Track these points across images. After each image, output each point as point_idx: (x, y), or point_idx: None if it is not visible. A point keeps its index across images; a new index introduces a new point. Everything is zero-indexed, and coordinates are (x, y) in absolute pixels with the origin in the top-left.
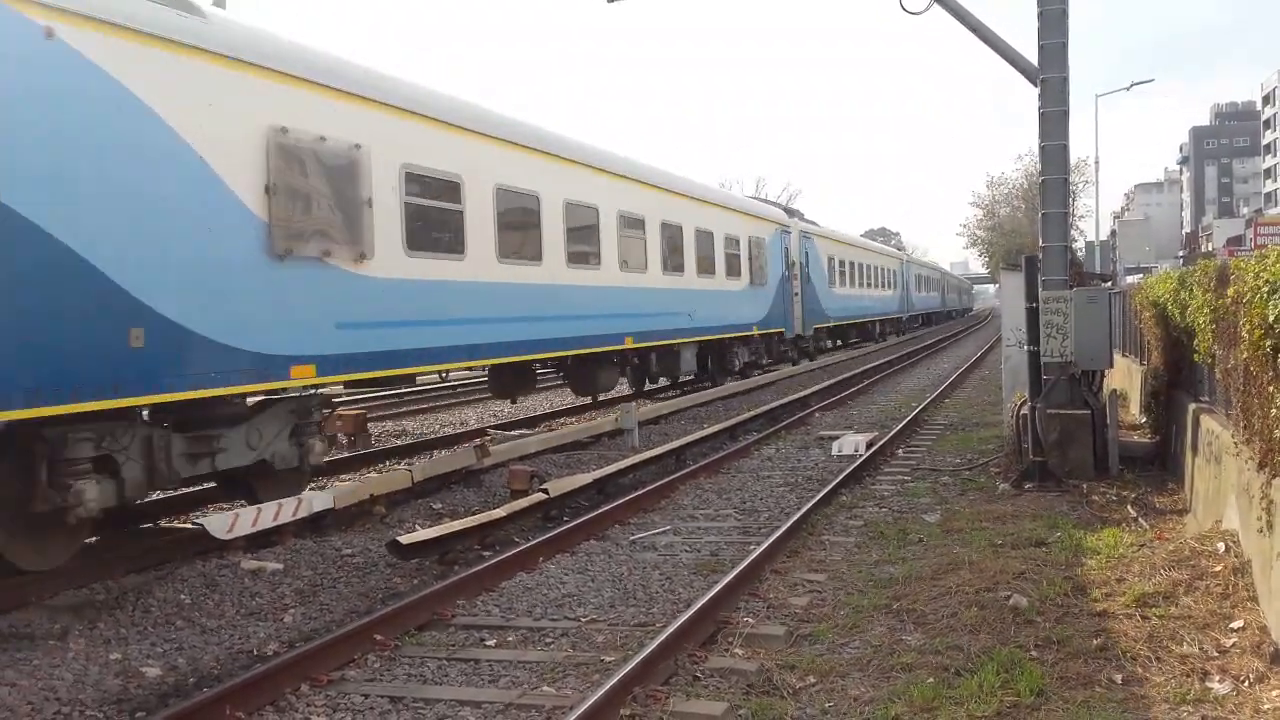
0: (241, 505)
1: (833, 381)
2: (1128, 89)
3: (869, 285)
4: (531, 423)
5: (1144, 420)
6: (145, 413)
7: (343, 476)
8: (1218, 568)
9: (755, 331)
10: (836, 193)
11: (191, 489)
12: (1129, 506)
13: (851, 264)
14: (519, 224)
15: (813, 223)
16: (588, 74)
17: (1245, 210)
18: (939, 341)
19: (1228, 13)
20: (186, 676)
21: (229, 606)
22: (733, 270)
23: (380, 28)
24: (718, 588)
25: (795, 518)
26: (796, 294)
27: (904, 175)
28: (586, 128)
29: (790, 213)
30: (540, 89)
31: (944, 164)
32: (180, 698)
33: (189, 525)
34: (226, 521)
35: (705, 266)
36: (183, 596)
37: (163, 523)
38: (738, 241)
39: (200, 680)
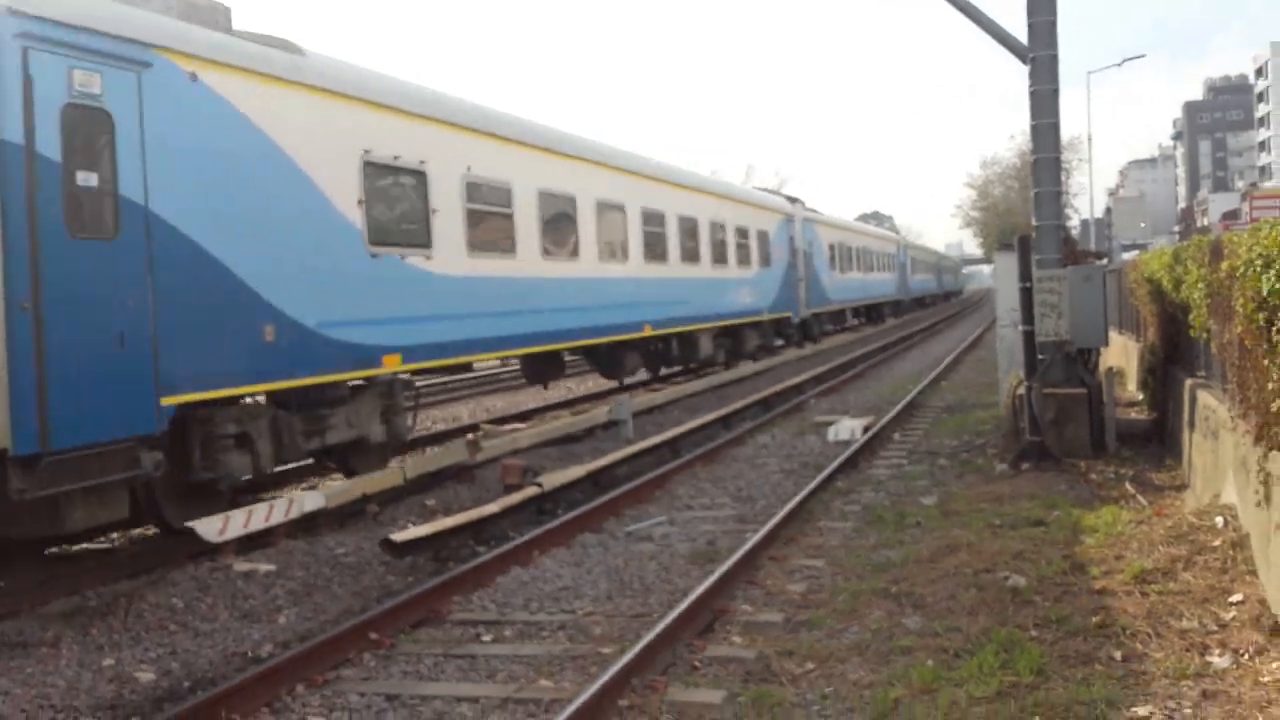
0: (232, 506)
1: (828, 367)
2: (1119, 65)
3: (869, 269)
4: (524, 417)
5: (1141, 397)
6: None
7: (334, 475)
8: (1216, 542)
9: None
10: (828, 177)
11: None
12: (1127, 484)
13: (851, 249)
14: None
15: (814, 210)
16: (570, 58)
17: (1240, 184)
18: (935, 324)
19: None
20: (181, 680)
21: (222, 609)
22: (743, 259)
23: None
24: (714, 576)
25: (792, 504)
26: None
27: (897, 158)
28: (562, 112)
29: (793, 201)
30: (517, 73)
31: (937, 146)
32: (175, 702)
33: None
34: (218, 524)
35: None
36: (175, 600)
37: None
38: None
39: (195, 684)
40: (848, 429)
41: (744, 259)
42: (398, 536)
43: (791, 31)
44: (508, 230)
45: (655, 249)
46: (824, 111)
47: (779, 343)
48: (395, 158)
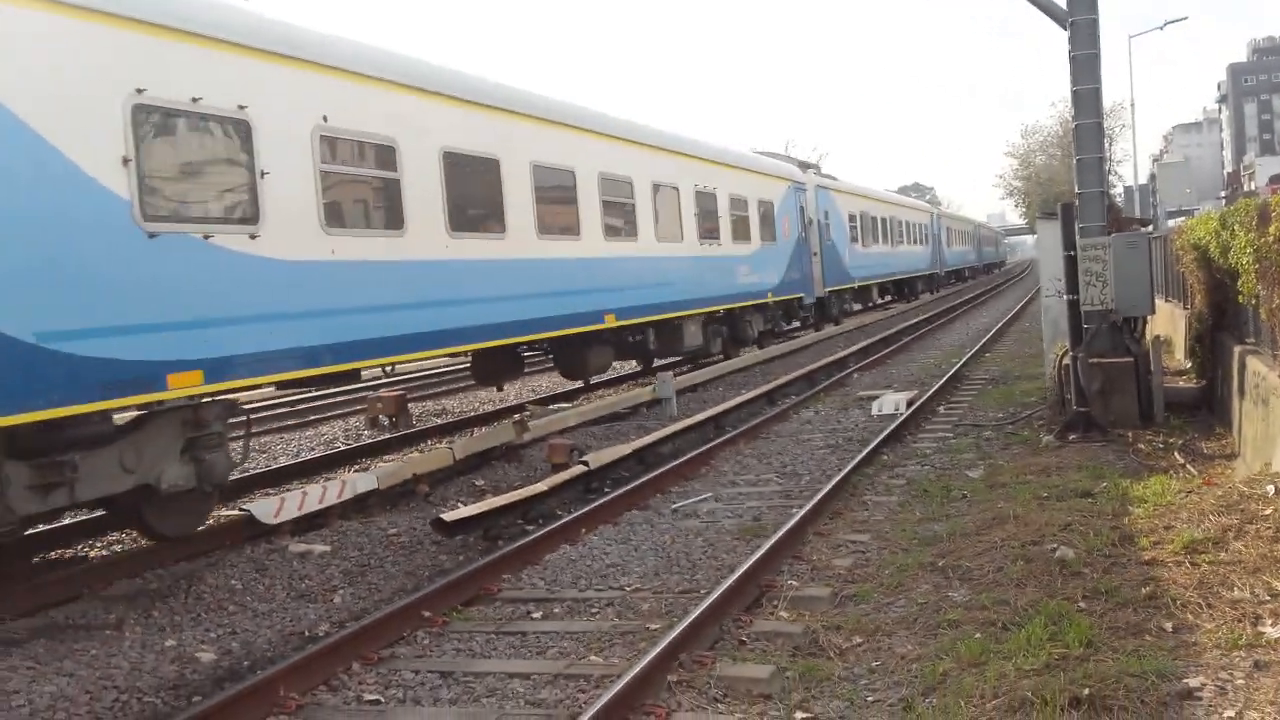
0: (287, 490)
1: (870, 341)
2: (1161, 29)
3: (897, 241)
4: (569, 396)
5: (1189, 365)
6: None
7: (385, 457)
8: (1268, 511)
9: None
10: (868, 151)
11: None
12: (1176, 453)
13: (876, 219)
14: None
15: (830, 177)
16: (617, 40)
17: None
18: (977, 296)
19: None
20: (240, 660)
21: (279, 589)
22: (740, 234)
23: None
24: (761, 551)
25: (837, 479)
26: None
27: (937, 130)
28: (613, 98)
29: (805, 167)
30: (555, 59)
31: (978, 116)
32: (235, 680)
33: (236, 512)
34: (273, 506)
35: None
36: (233, 582)
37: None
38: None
39: (254, 663)
40: (892, 403)
41: (740, 234)
42: (448, 516)
43: (834, 10)
44: (394, 200)
45: (619, 224)
46: (863, 85)
47: (794, 324)
48: (195, 100)
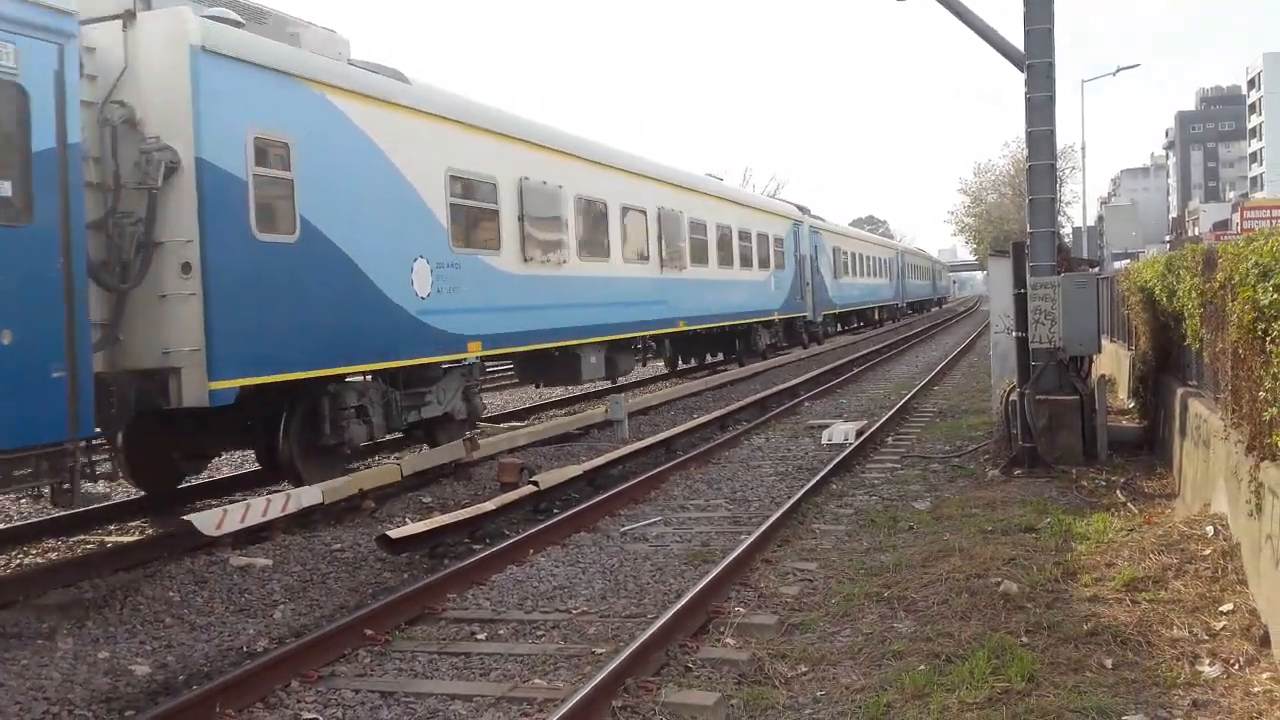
0: (230, 501)
1: (822, 370)
2: (1114, 74)
3: (869, 275)
4: (521, 415)
5: (1132, 405)
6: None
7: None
8: (1207, 551)
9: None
10: (823, 181)
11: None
12: (1118, 491)
13: (853, 255)
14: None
15: (820, 218)
16: (568, 59)
17: (1231, 195)
18: (927, 329)
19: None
20: (176, 674)
21: (218, 603)
22: (761, 262)
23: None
24: (709, 578)
25: (786, 507)
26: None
27: (891, 163)
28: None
29: (802, 209)
30: (512, 75)
31: (932, 151)
32: (170, 696)
33: (176, 522)
34: (215, 518)
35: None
36: (171, 594)
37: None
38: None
39: (190, 678)
40: (841, 432)
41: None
42: (394, 533)
43: (788, 37)
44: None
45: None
46: (820, 116)
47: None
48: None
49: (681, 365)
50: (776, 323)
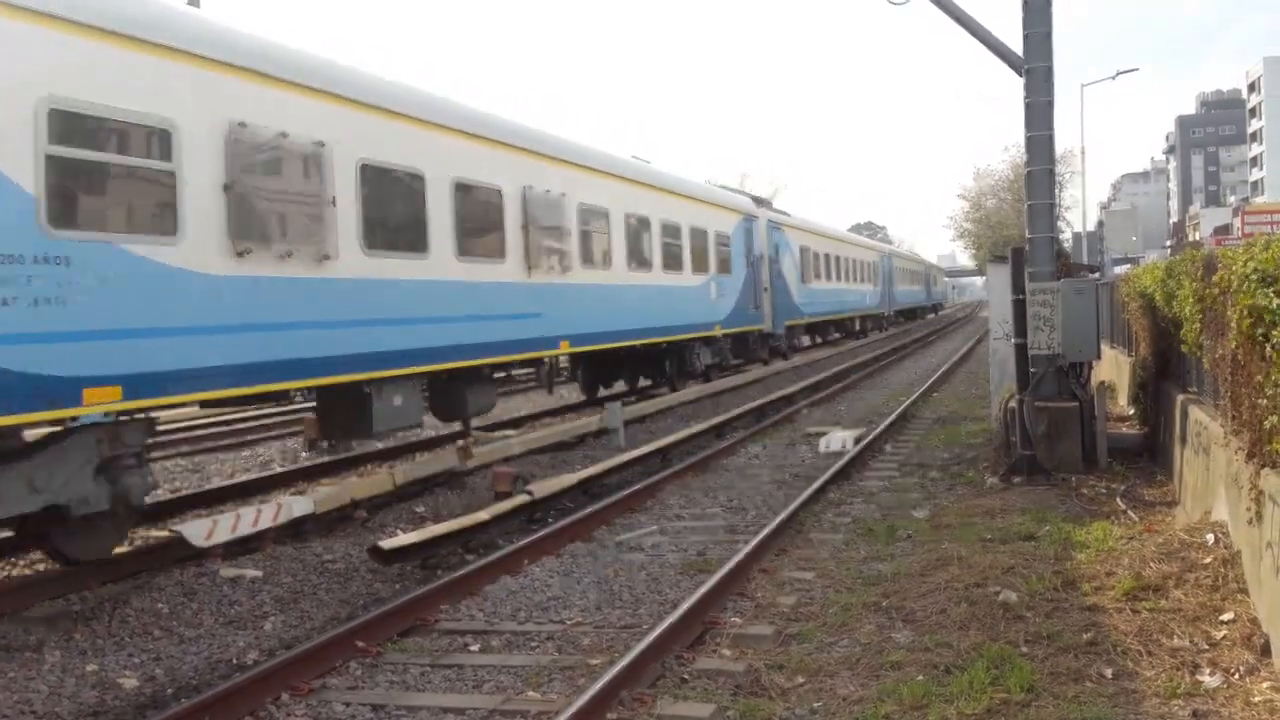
0: (220, 512)
1: (819, 378)
2: (1113, 78)
3: (847, 279)
4: (516, 424)
5: (1132, 412)
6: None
7: (323, 480)
8: (1207, 559)
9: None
10: (823, 187)
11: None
12: (1118, 499)
13: (826, 256)
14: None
15: (783, 212)
16: (565, 60)
17: (1232, 199)
18: (925, 336)
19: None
20: (164, 687)
21: (207, 615)
22: (697, 264)
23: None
24: (705, 588)
25: (783, 516)
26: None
27: (890, 169)
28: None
29: (758, 201)
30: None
31: (931, 157)
32: (158, 709)
33: (166, 533)
34: (204, 528)
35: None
36: (160, 606)
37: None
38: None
39: (178, 691)
40: (839, 440)
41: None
42: (386, 544)
43: (787, 42)
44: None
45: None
46: (819, 122)
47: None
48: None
49: (604, 392)
50: (720, 338)
